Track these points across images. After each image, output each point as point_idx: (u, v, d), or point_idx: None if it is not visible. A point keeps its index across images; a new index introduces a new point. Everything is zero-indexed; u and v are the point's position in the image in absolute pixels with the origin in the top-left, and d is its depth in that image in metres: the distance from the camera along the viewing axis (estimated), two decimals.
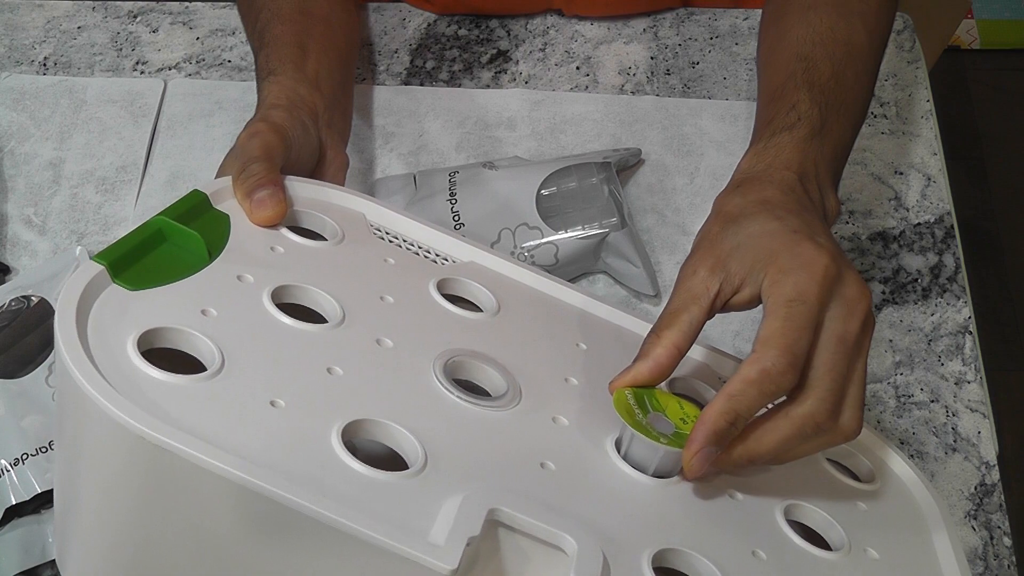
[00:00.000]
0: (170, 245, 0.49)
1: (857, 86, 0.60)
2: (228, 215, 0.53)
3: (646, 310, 0.70)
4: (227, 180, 0.55)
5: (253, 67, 0.83)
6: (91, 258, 0.45)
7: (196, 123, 0.80)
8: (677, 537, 0.45)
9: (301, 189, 0.57)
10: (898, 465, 0.55)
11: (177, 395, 0.41)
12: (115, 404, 0.39)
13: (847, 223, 0.75)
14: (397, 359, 0.48)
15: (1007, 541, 0.64)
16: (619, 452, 0.48)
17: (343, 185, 0.63)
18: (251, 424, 0.41)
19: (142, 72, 0.84)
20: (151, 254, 0.48)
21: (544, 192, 0.70)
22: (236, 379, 0.43)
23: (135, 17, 0.87)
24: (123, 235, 0.47)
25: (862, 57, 0.61)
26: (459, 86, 0.82)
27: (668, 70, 0.83)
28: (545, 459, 0.46)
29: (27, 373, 0.67)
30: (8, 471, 0.63)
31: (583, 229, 0.69)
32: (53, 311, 0.69)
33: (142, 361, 0.42)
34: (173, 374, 0.42)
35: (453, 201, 0.70)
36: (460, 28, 0.85)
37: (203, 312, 0.46)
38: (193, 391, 0.42)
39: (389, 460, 0.43)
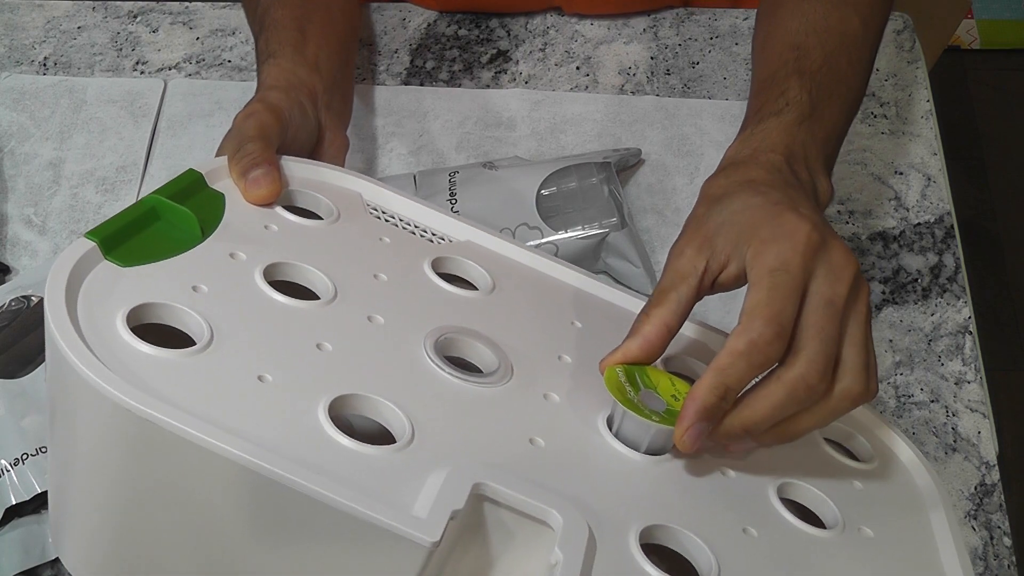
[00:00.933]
0: (163, 223, 0.49)
1: (851, 73, 0.60)
2: (223, 194, 0.53)
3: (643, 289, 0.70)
4: (223, 159, 0.55)
5: (253, 67, 0.83)
6: (84, 235, 0.45)
7: (196, 123, 0.80)
8: (667, 514, 0.44)
9: (297, 169, 0.57)
10: (897, 445, 0.55)
11: (166, 369, 0.41)
12: (102, 377, 0.39)
13: (847, 223, 0.75)
14: (387, 336, 0.48)
15: (1007, 541, 0.64)
16: (611, 430, 0.48)
17: (343, 166, 0.63)
18: (238, 398, 0.41)
19: (142, 72, 0.84)
20: (144, 232, 0.48)
21: (544, 192, 0.70)
22: (225, 354, 0.43)
23: (135, 17, 0.87)
24: (116, 214, 0.48)
25: (856, 45, 0.61)
26: (459, 86, 0.82)
27: (668, 70, 0.83)
28: (535, 435, 0.46)
29: (27, 373, 0.67)
30: (8, 471, 0.63)
31: (583, 229, 0.69)
32: None
33: (131, 336, 0.42)
34: (161, 348, 0.42)
35: (453, 201, 0.70)
36: (460, 28, 0.85)
37: (194, 288, 0.46)
38: (182, 365, 0.42)
39: (380, 437, 0.43)
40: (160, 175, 0.78)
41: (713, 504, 0.46)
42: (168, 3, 0.87)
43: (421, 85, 0.82)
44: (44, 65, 0.84)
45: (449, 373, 0.47)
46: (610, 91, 0.82)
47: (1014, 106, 1.90)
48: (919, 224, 0.76)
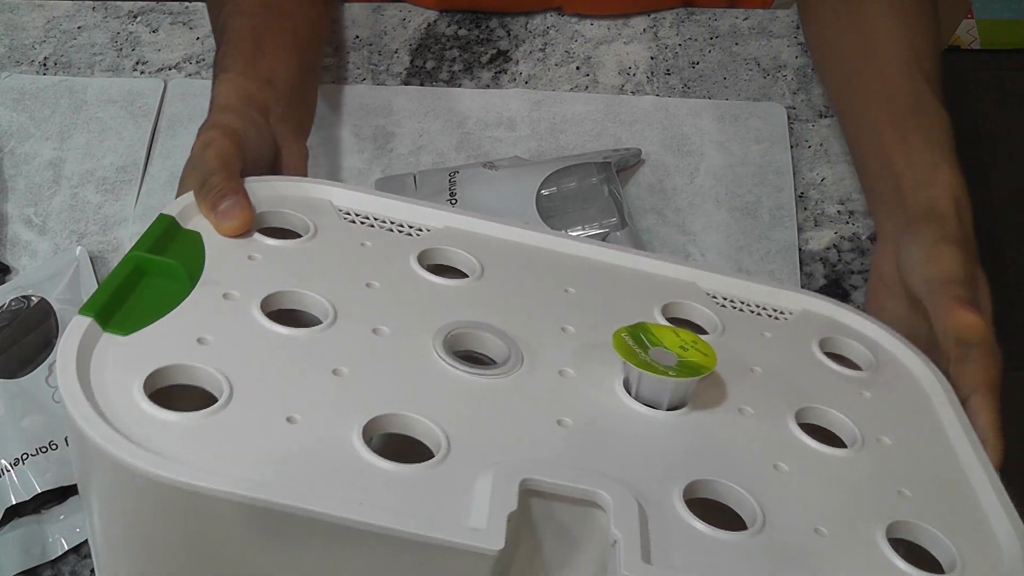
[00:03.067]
0: (150, 278, 0.48)
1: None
2: (199, 232, 0.52)
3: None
4: (190, 196, 0.54)
5: None
6: (78, 312, 0.44)
7: (196, 123, 0.80)
8: (702, 467, 0.45)
9: (261, 189, 0.56)
10: (894, 346, 0.56)
11: (195, 433, 0.41)
12: (137, 458, 0.38)
13: (847, 223, 0.75)
14: (397, 345, 0.47)
15: None
16: (629, 393, 0.48)
17: (305, 176, 0.62)
18: (274, 445, 0.41)
19: (142, 72, 0.84)
20: (134, 293, 0.47)
21: (544, 192, 0.70)
22: (249, 403, 0.42)
23: (135, 17, 0.87)
24: (103, 281, 0.46)
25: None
26: (459, 86, 0.82)
27: (668, 70, 0.83)
28: (561, 415, 0.46)
29: (27, 373, 0.67)
30: (8, 471, 0.63)
31: (583, 229, 0.69)
32: (53, 311, 0.69)
33: (153, 407, 0.41)
34: (186, 413, 0.41)
35: (453, 201, 0.70)
36: (460, 28, 0.85)
37: (199, 341, 0.45)
38: (209, 426, 0.41)
39: (407, 445, 0.43)
40: (160, 175, 0.78)
41: (740, 447, 0.47)
42: (168, 3, 0.87)
43: (421, 85, 0.82)
44: (44, 65, 0.84)
45: (465, 371, 0.47)
46: (610, 91, 0.82)
47: (1014, 106, 1.90)
48: None
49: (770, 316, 0.57)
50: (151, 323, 0.45)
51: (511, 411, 0.45)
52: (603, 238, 0.69)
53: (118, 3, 0.87)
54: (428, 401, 0.44)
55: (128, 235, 0.75)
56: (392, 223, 0.56)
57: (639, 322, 0.50)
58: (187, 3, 0.87)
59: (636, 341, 0.48)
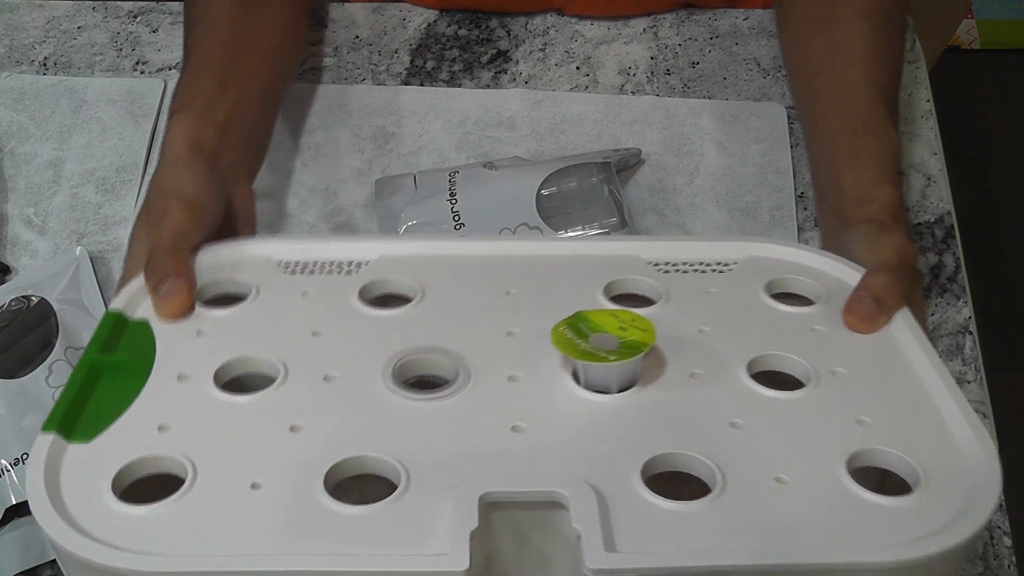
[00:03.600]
0: (106, 379, 0.49)
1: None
2: (147, 320, 0.53)
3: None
4: (134, 287, 0.55)
5: None
6: (41, 431, 0.45)
7: None
8: (657, 442, 0.45)
9: (203, 257, 0.57)
10: (841, 272, 0.56)
11: (166, 520, 0.42)
12: (111, 558, 0.40)
13: None
14: (348, 388, 0.49)
15: (1007, 541, 0.64)
16: (579, 383, 0.48)
17: (254, 218, 0.64)
18: (241, 514, 0.42)
19: (142, 72, 0.84)
20: (92, 398, 0.48)
21: (544, 192, 0.70)
22: (213, 479, 0.44)
23: (135, 17, 0.87)
24: (61, 392, 0.48)
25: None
26: (459, 86, 0.82)
27: (668, 70, 0.83)
28: (515, 422, 0.46)
29: (27, 373, 0.67)
30: (8, 471, 0.63)
31: (583, 229, 0.69)
32: (53, 311, 0.69)
33: (122, 505, 0.43)
34: (154, 504, 0.43)
35: (453, 201, 0.70)
36: (460, 28, 0.85)
37: (160, 428, 0.46)
38: (179, 510, 0.42)
39: (381, 480, 0.44)
40: None
41: (695, 412, 0.47)
42: (168, 3, 0.87)
43: (421, 85, 0.82)
44: (44, 65, 0.84)
45: (415, 399, 0.48)
46: (610, 91, 0.82)
47: (1014, 106, 1.90)
48: (919, 224, 0.76)
49: (715, 271, 0.57)
50: (112, 423, 0.46)
51: (465, 428, 0.46)
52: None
53: (118, 3, 0.87)
54: (384, 437, 0.46)
55: (128, 235, 0.75)
56: (331, 264, 0.57)
57: (576, 312, 0.50)
58: None
59: (575, 332, 0.48)
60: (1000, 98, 1.91)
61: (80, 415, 0.47)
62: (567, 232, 0.69)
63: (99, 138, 0.80)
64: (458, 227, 0.69)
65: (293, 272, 0.56)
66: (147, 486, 0.45)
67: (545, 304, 0.52)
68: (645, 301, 0.55)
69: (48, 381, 0.66)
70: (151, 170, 0.78)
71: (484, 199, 0.70)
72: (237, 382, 0.50)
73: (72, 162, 0.79)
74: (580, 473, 0.43)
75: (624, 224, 0.69)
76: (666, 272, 0.56)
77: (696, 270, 0.57)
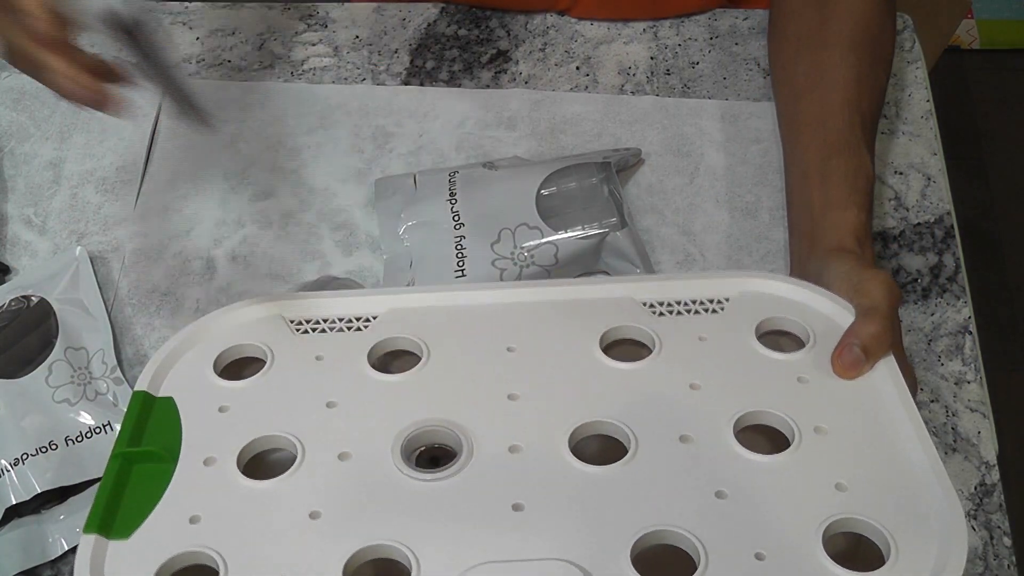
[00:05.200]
0: (137, 470, 0.52)
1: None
2: (171, 398, 0.55)
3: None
4: (157, 362, 0.56)
5: (254, 67, 0.83)
6: (83, 531, 0.49)
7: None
8: (647, 516, 0.49)
9: (221, 319, 0.59)
10: (830, 309, 0.57)
11: None
12: None
13: None
14: (361, 468, 0.52)
15: (1007, 541, 0.64)
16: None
17: None
18: None
19: None
20: (126, 492, 0.51)
21: (544, 192, 0.70)
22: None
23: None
24: (98, 489, 0.51)
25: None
26: (459, 86, 0.82)
27: (668, 70, 0.83)
28: (516, 499, 0.50)
29: (27, 373, 0.67)
30: (8, 471, 0.63)
31: (583, 229, 0.69)
32: (53, 311, 0.69)
33: None
34: None
35: (453, 201, 0.70)
36: (460, 28, 0.85)
37: (191, 520, 0.50)
38: None
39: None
40: (160, 175, 0.78)
41: (684, 482, 0.50)
42: (168, 3, 0.87)
43: (421, 85, 0.82)
44: None
45: (423, 479, 0.51)
46: (610, 91, 0.82)
47: (1014, 106, 1.90)
48: (919, 224, 0.76)
49: (707, 310, 0.58)
50: (147, 516, 0.50)
51: (469, 508, 0.50)
52: (603, 238, 0.69)
53: None
54: (395, 520, 0.49)
55: (128, 235, 0.75)
56: (340, 320, 0.59)
57: None
58: (187, 3, 0.87)
59: None
60: (1000, 98, 1.91)
61: (117, 511, 0.50)
62: (567, 232, 0.69)
63: (99, 138, 0.80)
64: (458, 227, 0.69)
65: (305, 332, 0.58)
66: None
67: (544, 360, 0.55)
68: (640, 345, 0.57)
69: (48, 381, 0.66)
70: (151, 170, 0.78)
71: (484, 199, 0.70)
72: (259, 458, 0.53)
73: (72, 162, 0.79)
74: (576, 555, 0.47)
75: (624, 224, 0.69)
76: (660, 314, 0.58)
77: (689, 310, 0.58)
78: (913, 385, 0.58)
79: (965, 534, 0.47)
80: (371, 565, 0.49)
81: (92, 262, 0.73)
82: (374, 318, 0.59)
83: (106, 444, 0.65)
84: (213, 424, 0.54)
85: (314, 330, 0.59)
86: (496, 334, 0.58)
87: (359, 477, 0.52)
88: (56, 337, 0.68)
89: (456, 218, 0.70)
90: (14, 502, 0.62)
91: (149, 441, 0.53)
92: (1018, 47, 1.97)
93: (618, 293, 0.59)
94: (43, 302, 0.70)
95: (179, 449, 0.53)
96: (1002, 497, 0.65)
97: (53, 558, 0.63)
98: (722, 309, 0.58)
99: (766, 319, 0.57)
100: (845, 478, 0.50)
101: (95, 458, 0.64)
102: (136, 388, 0.55)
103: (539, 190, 0.70)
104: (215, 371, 0.57)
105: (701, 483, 0.50)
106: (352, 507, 0.50)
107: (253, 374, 0.57)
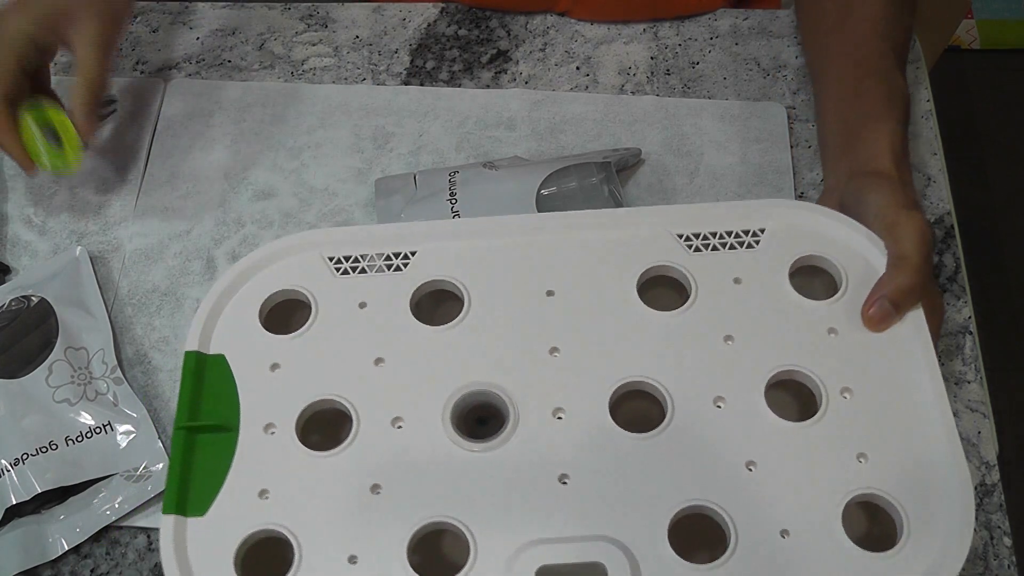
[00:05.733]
0: (202, 439, 0.53)
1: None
2: (222, 355, 0.56)
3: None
4: (202, 321, 0.57)
5: (253, 67, 0.83)
6: (162, 512, 0.51)
7: (196, 123, 0.80)
8: (683, 489, 0.51)
9: (253, 260, 0.59)
10: (863, 246, 0.58)
11: None
12: None
13: None
14: (414, 437, 0.53)
15: (1007, 541, 0.64)
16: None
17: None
18: None
19: (142, 72, 0.84)
20: (194, 467, 0.53)
21: (544, 192, 0.70)
22: (316, 556, 0.50)
23: (135, 17, 0.86)
24: (169, 468, 0.52)
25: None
26: (459, 86, 0.82)
27: (668, 70, 0.83)
28: (562, 470, 0.52)
29: (27, 373, 0.67)
30: (8, 471, 0.63)
31: None
32: (53, 311, 0.69)
33: None
34: None
35: (453, 201, 0.70)
36: (460, 28, 0.85)
37: (260, 495, 0.52)
38: None
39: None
40: (160, 175, 0.78)
41: (716, 453, 0.52)
42: (168, 3, 0.87)
43: (421, 85, 0.82)
44: None
45: (474, 450, 0.53)
46: (610, 91, 0.82)
47: (1014, 106, 1.90)
48: None
49: (742, 243, 0.58)
50: (218, 491, 0.52)
51: (518, 480, 0.52)
52: None
53: None
54: (450, 494, 0.52)
55: (128, 235, 0.75)
56: (380, 257, 0.59)
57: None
58: (187, 3, 0.87)
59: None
60: (1000, 98, 1.91)
61: (189, 488, 0.52)
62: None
63: (99, 138, 0.80)
64: None
65: (345, 272, 0.58)
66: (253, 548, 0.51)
67: (583, 306, 0.56)
68: (676, 283, 0.58)
69: (48, 381, 0.66)
70: (151, 170, 0.78)
71: (484, 199, 0.70)
72: (313, 417, 0.55)
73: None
74: (617, 530, 0.50)
75: None
76: (696, 250, 0.58)
77: (724, 243, 0.58)
78: (940, 313, 0.60)
79: (972, 510, 0.49)
80: (428, 539, 0.52)
81: (92, 262, 0.73)
82: (412, 254, 0.59)
83: (106, 444, 0.65)
84: (267, 385, 0.55)
85: (354, 269, 0.58)
86: (535, 275, 0.58)
87: (414, 447, 0.53)
88: (56, 337, 0.68)
89: (456, 218, 0.70)
90: (14, 502, 0.62)
91: (207, 407, 0.54)
92: (1018, 47, 1.97)
93: (655, 226, 0.59)
94: (43, 302, 0.70)
95: (238, 415, 0.54)
96: (1002, 497, 0.65)
97: (53, 558, 0.63)
98: (757, 243, 0.58)
99: (801, 257, 0.58)
100: (867, 447, 0.52)
101: (95, 458, 0.64)
102: (187, 348, 0.56)
103: (539, 190, 0.70)
104: (261, 321, 0.57)
105: (733, 452, 0.52)
106: (410, 480, 0.52)
107: (299, 319, 0.57)
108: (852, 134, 0.64)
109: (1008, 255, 1.73)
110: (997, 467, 0.66)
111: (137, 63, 0.84)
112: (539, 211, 0.69)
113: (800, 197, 0.76)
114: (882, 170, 0.61)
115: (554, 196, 0.70)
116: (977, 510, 0.64)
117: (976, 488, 0.65)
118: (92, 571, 0.63)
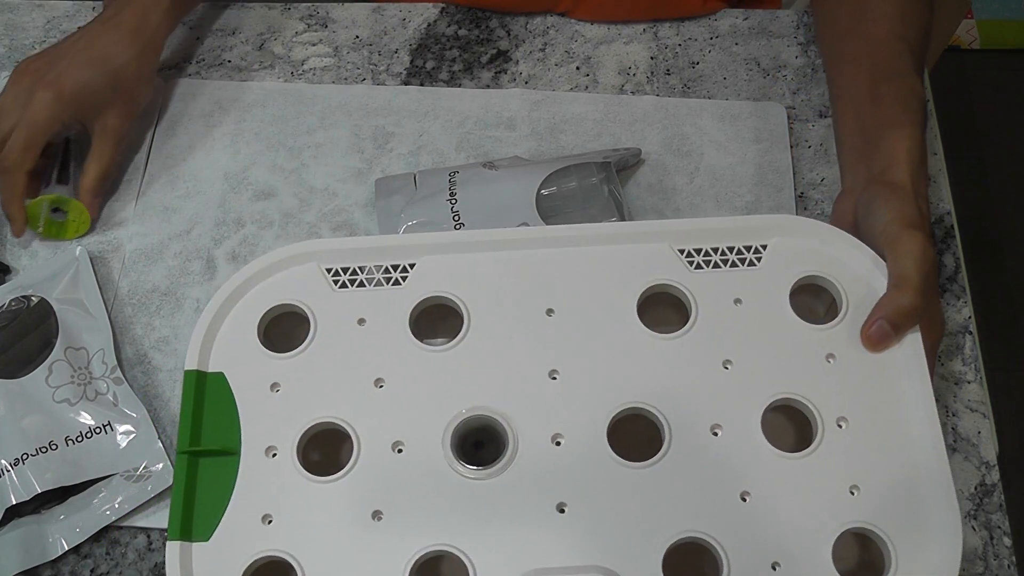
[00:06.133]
0: (205, 463, 0.54)
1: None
2: (222, 374, 0.56)
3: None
4: (200, 338, 0.56)
5: (253, 67, 0.83)
6: (167, 540, 0.51)
7: (196, 123, 0.80)
8: (678, 520, 0.51)
9: (251, 269, 0.59)
10: (863, 265, 0.58)
11: None
12: None
13: None
14: (415, 462, 0.54)
15: (1007, 541, 0.64)
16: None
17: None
18: None
19: None
20: (198, 491, 0.53)
21: (544, 192, 0.70)
22: None
23: None
24: (172, 492, 0.53)
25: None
26: (459, 86, 0.82)
27: (668, 70, 0.83)
28: (560, 498, 0.52)
29: (27, 373, 0.67)
30: (8, 471, 0.63)
31: None
32: (53, 311, 0.69)
33: None
34: None
35: (453, 201, 0.70)
36: (460, 28, 0.85)
37: (264, 519, 0.52)
38: None
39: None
40: (160, 175, 0.78)
41: (712, 483, 0.52)
42: None
43: (421, 85, 0.82)
44: None
45: (473, 477, 0.53)
46: (610, 91, 0.82)
47: (1014, 106, 1.90)
48: None
49: (744, 260, 0.58)
50: (221, 515, 0.52)
51: (517, 507, 0.52)
52: None
53: None
54: (451, 521, 0.52)
55: (128, 235, 0.75)
56: (378, 270, 0.58)
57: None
58: None
59: None
60: (1000, 98, 1.91)
61: (193, 513, 0.52)
62: None
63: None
64: (458, 227, 0.69)
65: (344, 285, 0.58)
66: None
67: (584, 327, 0.56)
68: (677, 301, 0.58)
69: (48, 381, 0.66)
70: (151, 170, 0.78)
71: (484, 199, 0.70)
72: (317, 437, 0.55)
73: (72, 162, 0.79)
74: (613, 560, 0.50)
75: None
76: (698, 267, 0.58)
77: (726, 260, 0.58)
78: (940, 329, 0.61)
79: (960, 544, 0.50)
80: (428, 565, 0.51)
81: (92, 262, 0.73)
82: (411, 266, 0.59)
83: (106, 444, 0.65)
84: (267, 406, 0.55)
85: (352, 282, 0.58)
86: (535, 291, 0.58)
87: (414, 473, 0.53)
88: (56, 337, 0.68)
89: (456, 218, 0.70)
90: (14, 502, 0.62)
91: (209, 429, 0.54)
92: (1018, 47, 1.97)
93: (656, 240, 0.59)
94: (43, 302, 0.70)
95: (239, 437, 0.54)
96: (1002, 497, 0.65)
97: (53, 558, 0.63)
98: (759, 261, 0.58)
99: (802, 278, 0.58)
100: (860, 479, 0.52)
101: (95, 458, 0.64)
102: (187, 367, 0.56)
103: (539, 190, 0.70)
104: (260, 337, 0.57)
105: (728, 483, 0.52)
106: (410, 506, 0.52)
107: (298, 332, 0.57)
108: (870, 140, 0.65)
109: (1008, 255, 1.73)
110: (997, 467, 0.66)
111: None
112: (539, 211, 0.69)
113: (800, 197, 0.76)
114: (896, 181, 0.61)
115: (554, 196, 0.70)
116: (977, 510, 0.64)
117: (976, 488, 0.65)
118: (92, 571, 0.63)
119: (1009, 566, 0.63)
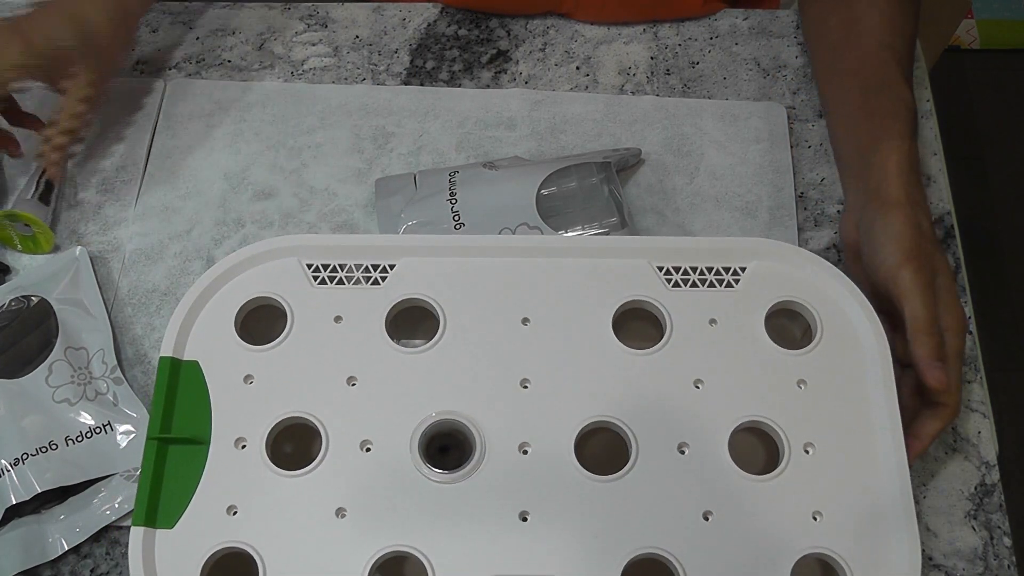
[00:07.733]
0: (174, 451, 0.54)
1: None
2: (196, 362, 0.56)
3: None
4: (177, 325, 0.57)
5: (253, 67, 0.83)
6: (131, 524, 0.52)
7: (196, 123, 0.80)
8: (639, 535, 0.51)
9: (229, 263, 0.59)
10: (844, 301, 0.58)
11: None
12: None
13: None
14: (382, 462, 0.54)
15: (1007, 541, 0.64)
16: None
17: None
18: None
19: (142, 72, 0.84)
20: (165, 479, 0.53)
21: (544, 192, 0.70)
22: (280, 575, 0.51)
23: None
24: (140, 477, 0.53)
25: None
26: (459, 86, 0.82)
27: (668, 70, 0.83)
28: (523, 507, 0.52)
29: (27, 373, 0.67)
30: (8, 471, 0.63)
31: (583, 229, 0.69)
32: (53, 311, 0.69)
33: None
34: None
35: (453, 201, 0.70)
36: (460, 28, 0.85)
37: (229, 510, 0.52)
38: None
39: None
40: (160, 175, 0.78)
41: (676, 501, 0.53)
42: (168, 3, 0.87)
43: (421, 85, 0.82)
44: None
45: (439, 480, 0.53)
46: (610, 91, 0.82)
47: (1014, 106, 1.90)
48: None
49: (722, 281, 0.59)
50: (187, 504, 0.52)
51: (481, 514, 0.52)
52: None
53: None
54: (414, 523, 0.52)
55: (128, 235, 0.75)
56: (358, 269, 0.59)
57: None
58: (187, 3, 0.87)
59: None
60: (1000, 98, 1.91)
61: (159, 500, 0.52)
62: (567, 232, 0.69)
63: (99, 138, 0.80)
64: (458, 227, 0.69)
65: (323, 281, 0.58)
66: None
67: (557, 338, 0.56)
68: (653, 317, 0.58)
69: (48, 381, 0.66)
70: (151, 170, 0.78)
71: (484, 199, 0.70)
72: (284, 432, 0.55)
73: (72, 162, 0.79)
74: (573, 572, 0.50)
75: (624, 224, 0.69)
76: (675, 285, 0.58)
77: (704, 280, 0.58)
78: (963, 329, 0.61)
79: (919, 572, 0.51)
80: (388, 565, 0.51)
81: (92, 262, 0.73)
82: (391, 267, 0.59)
83: (106, 444, 0.65)
84: (240, 398, 0.55)
85: (332, 279, 0.58)
86: (512, 299, 0.58)
87: (380, 472, 0.53)
88: (56, 337, 0.68)
89: (456, 218, 0.70)
90: (14, 502, 0.62)
91: (180, 417, 0.55)
92: (1018, 47, 1.97)
93: (636, 256, 0.59)
94: (43, 302, 0.70)
95: (209, 427, 0.54)
96: (1002, 497, 0.65)
97: (53, 558, 0.63)
98: (737, 283, 0.58)
99: (778, 302, 0.58)
100: (823, 505, 0.52)
101: (95, 458, 0.64)
102: (162, 354, 0.56)
103: (539, 190, 0.70)
104: (236, 328, 0.57)
105: (692, 501, 0.52)
106: (375, 506, 0.52)
107: (275, 325, 0.57)
108: (863, 155, 0.66)
109: (1008, 255, 1.73)
110: (997, 467, 0.66)
111: (137, 63, 0.84)
112: (539, 211, 0.69)
113: (800, 197, 0.76)
114: (891, 198, 0.62)
115: (554, 196, 0.70)
116: (977, 510, 0.64)
117: (976, 488, 0.65)
118: (92, 571, 0.63)
119: (1009, 566, 0.63)
